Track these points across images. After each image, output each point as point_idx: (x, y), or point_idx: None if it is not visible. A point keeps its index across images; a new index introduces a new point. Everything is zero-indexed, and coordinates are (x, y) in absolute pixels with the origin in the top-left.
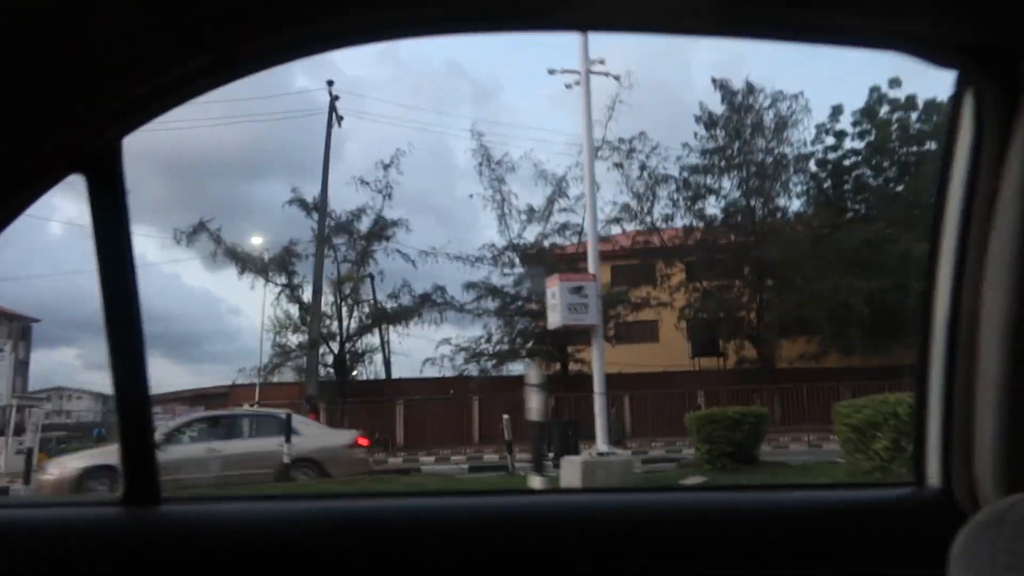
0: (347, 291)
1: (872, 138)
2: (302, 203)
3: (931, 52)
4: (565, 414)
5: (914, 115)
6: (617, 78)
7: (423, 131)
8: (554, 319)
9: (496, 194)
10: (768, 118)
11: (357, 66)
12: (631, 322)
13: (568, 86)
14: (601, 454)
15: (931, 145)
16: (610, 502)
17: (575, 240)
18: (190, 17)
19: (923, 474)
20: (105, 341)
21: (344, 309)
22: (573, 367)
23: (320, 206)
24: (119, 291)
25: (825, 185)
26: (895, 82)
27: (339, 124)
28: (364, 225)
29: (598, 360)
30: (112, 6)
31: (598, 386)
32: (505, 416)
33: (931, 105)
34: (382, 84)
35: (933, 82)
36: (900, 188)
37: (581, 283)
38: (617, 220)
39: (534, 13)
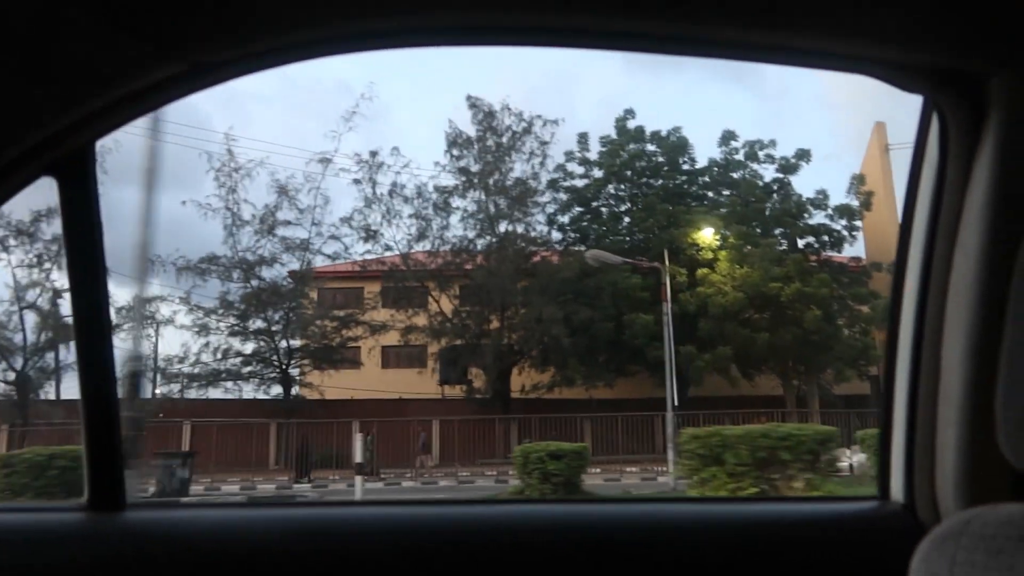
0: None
1: (606, 167)
2: None
3: (899, 76)
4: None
5: (650, 146)
6: None
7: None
8: None
9: (227, 203)
10: (526, 142)
11: None
12: (396, 346)
13: None
14: None
15: (649, 180)
16: (575, 513)
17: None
18: (165, 25)
19: (887, 489)
20: (74, 344)
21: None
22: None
23: None
24: (89, 294)
25: (574, 212)
26: (630, 112)
27: None
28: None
29: None
30: (87, 13)
31: None
32: None
33: (656, 136)
34: None
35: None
36: (626, 218)
37: None
38: (367, 238)
39: (513, 29)
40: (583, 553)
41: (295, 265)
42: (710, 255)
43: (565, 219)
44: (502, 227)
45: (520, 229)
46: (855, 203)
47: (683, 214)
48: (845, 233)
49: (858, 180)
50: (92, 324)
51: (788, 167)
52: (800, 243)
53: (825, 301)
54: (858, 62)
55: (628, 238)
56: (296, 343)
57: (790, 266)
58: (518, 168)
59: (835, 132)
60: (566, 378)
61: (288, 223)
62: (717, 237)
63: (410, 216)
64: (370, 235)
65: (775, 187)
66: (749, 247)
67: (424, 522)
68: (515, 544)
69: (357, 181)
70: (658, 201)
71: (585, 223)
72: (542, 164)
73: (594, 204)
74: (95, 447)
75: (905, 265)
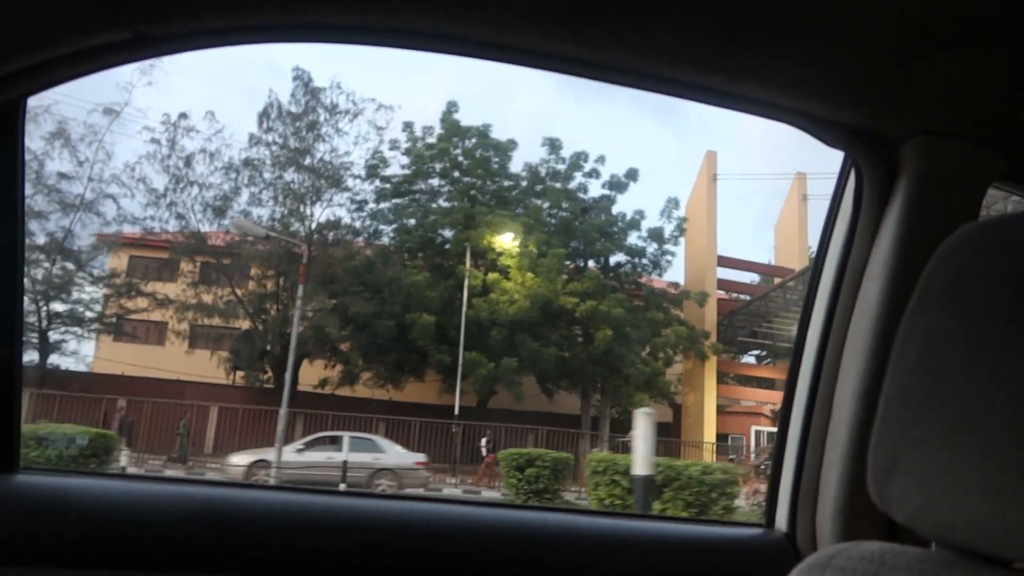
0: None
1: (415, 159)
2: None
3: (822, 131)
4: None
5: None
6: None
7: None
8: None
9: None
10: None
11: None
12: (204, 326)
13: None
14: None
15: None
16: (437, 512)
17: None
18: None
19: (773, 518)
20: None
21: None
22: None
23: None
24: (4, 251)
25: (391, 203)
26: (453, 105)
27: None
28: None
29: None
30: None
31: None
32: None
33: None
34: None
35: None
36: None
37: None
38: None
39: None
40: (442, 554)
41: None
42: (510, 261)
43: (387, 206)
44: (316, 210)
45: (332, 214)
46: (669, 226)
47: (482, 215)
48: (658, 256)
49: (673, 204)
50: (2, 282)
51: (616, 184)
52: (613, 261)
53: (619, 321)
54: (784, 112)
55: (439, 234)
56: (60, 307)
57: (587, 282)
58: (342, 151)
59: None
60: (348, 375)
61: (65, 176)
62: (517, 243)
63: (206, 186)
64: (157, 199)
65: (591, 201)
66: (543, 257)
67: (324, 511)
68: (407, 546)
69: (155, 141)
70: (460, 198)
71: (400, 215)
72: (378, 151)
73: (408, 197)
74: None
75: (811, 310)
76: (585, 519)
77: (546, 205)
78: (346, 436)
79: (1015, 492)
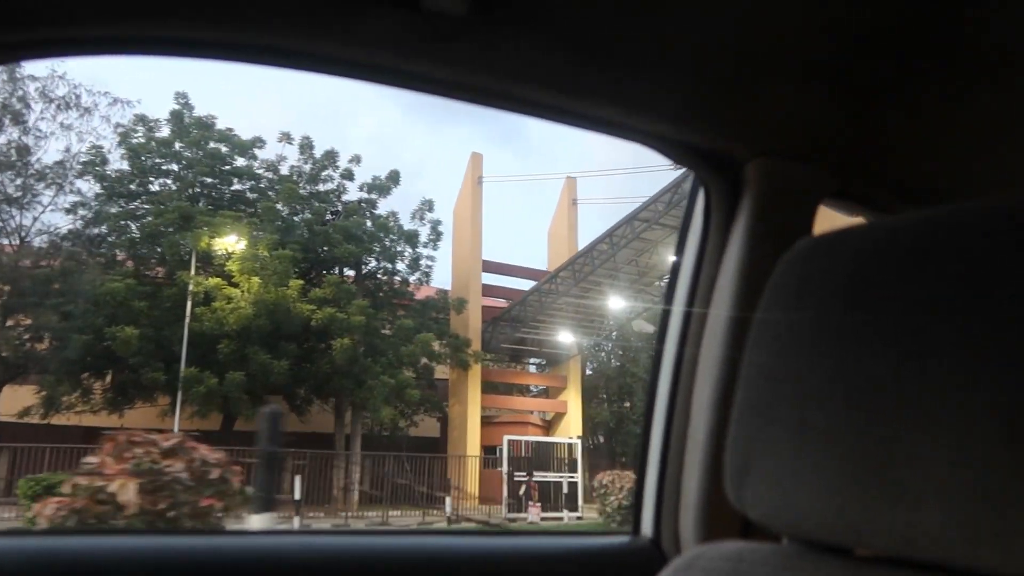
0: None
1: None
2: None
3: (672, 151)
4: None
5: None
6: None
7: None
8: None
9: None
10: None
11: None
12: None
13: None
14: None
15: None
16: (328, 545)
17: None
18: None
19: (639, 524)
20: None
21: None
22: None
23: None
24: None
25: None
26: (183, 96)
27: None
28: None
29: None
30: None
31: None
32: None
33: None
34: None
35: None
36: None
37: None
38: None
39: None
40: None
41: None
42: (234, 266)
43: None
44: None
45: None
46: (423, 229)
47: (203, 216)
48: (416, 262)
49: (427, 206)
50: None
51: (377, 187)
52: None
53: (360, 330)
54: (636, 133)
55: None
56: None
57: (327, 288)
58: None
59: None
60: (48, 400)
61: None
62: (244, 246)
63: None
64: None
65: (339, 204)
66: (273, 260)
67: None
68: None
69: None
70: (176, 197)
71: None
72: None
73: (130, 199)
74: None
75: (668, 324)
76: (436, 540)
77: (284, 208)
78: None
79: (851, 488)
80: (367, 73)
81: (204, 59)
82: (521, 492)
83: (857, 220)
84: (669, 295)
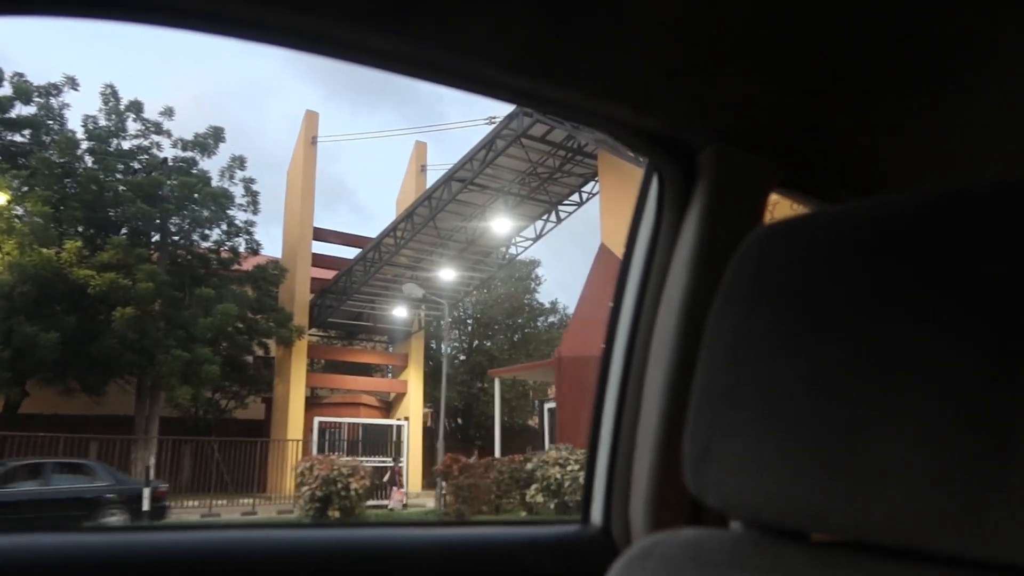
0: None
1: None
2: None
3: (627, 137)
4: None
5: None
6: None
7: None
8: None
9: None
10: None
11: None
12: None
13: None
14: None
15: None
16: (283, 538)
17: None
18: None
19: (588, 513)
20: None
21: None
22: None
23: None
24: None
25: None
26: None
27: None
28: None
29: None
30: None
31: None
32: None
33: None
34: None
35: None
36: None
37: None
38: None
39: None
40: None
41: None
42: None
43: None
44: None
45: None
46: (233, 189)
47: None
48: (228, 224)
49: (237, 163)
50: None
51: (198, 144)
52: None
53: (150, 299)
54: (593, 117)
55: None
56: None
57: (112, 252)
58: None
59: None
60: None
61: None
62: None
63: None
64: None
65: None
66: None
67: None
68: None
69: None
70: None
71: None
72: None
73: None
74: None
75: (620, 312)
76: (379, 532)
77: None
78: None
79: (809, 474)
80: (317, 45)
81: (146, 24)
82: (386, 478)
83: (804, 209)
84: (621, 281)
